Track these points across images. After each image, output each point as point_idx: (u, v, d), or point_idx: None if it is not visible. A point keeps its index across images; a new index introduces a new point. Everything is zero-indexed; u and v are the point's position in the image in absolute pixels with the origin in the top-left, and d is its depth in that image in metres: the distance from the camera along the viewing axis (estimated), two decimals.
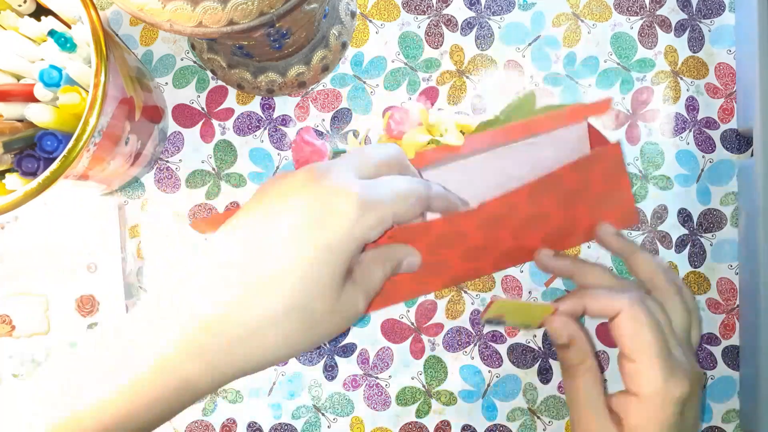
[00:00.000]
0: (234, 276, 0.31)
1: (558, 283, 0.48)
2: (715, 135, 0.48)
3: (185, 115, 0.49)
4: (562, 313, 0.39)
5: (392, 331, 0.48)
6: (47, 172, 0.35)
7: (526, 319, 0.40)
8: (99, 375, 0.29)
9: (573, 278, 0.42)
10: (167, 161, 0.49)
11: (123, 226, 0.48)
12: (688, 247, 0.48)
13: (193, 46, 0.49)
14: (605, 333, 0.48)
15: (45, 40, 0.40)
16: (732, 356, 0.48)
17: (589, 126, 0.41)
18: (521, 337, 0.48)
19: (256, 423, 0.48)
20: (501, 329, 0.48)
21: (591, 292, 0.39)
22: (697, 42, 0.49)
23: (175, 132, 0.49)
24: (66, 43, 0.38)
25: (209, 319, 0.30)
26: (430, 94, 0.49)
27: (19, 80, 0.41)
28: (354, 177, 0.33)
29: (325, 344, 0.48)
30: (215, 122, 0.49)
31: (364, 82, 0.49)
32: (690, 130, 0.48)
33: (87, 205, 0.48)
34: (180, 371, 0.29)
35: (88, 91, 0.36)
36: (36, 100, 0.38)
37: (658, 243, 0.48)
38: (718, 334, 0.48)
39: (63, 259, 0.47)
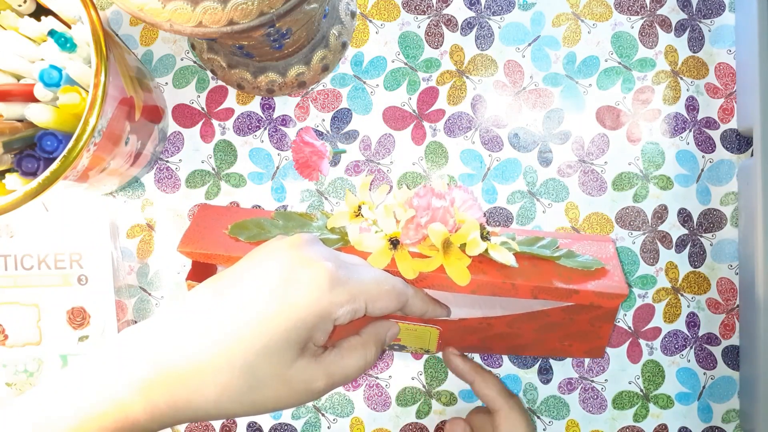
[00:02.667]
0: (196, 322, 0.31)
1: None
2: (715, 135, 0.48)
3: (185, 115, 0.49)
4: (457, 364, 0.44)
5: None
6: (47, 172, 0.35)
7: (421, 343, 0.43)
8: (53, 413, 0.29)
9: (471, 384, 0.44)
10: (167, 161, 0.49)
11: (115, 239, 0.48)
12: (688, 247, 0.48)
13: (193, 46, 0.49)
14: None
15: (45, 40, 0.40)
16: (732, 356, 0.48)
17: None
18: None
19: (256, 423, 0.48)
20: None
21: (488, 377, 0.43)
22: (697, 42, 0.49)
23: (175, 132, 0.49)
24: (66, 43, 0.38)
25: (166, 364, 0.30)
26: (435, 117, 0.49)
27: (19, 80, 0.41)
28: (336, 254, 0.34)
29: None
30: (215, 122, 0.49)
31: (364, 82, 0.49)
32: (690, 130, 0.48)
33: (80, 219, 0.48)
34: (130, 415, 0.29)
35: (88, 91, 0.36)
36: (36, 100, 0.38)
37: (658, 243, 0.48)
38: (718, 334, 0.48)
39: (54, 270, 0.47)
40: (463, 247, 0.39)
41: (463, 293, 0.40)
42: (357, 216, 0.41)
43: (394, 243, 0.39)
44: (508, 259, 0.39)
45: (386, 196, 0.42)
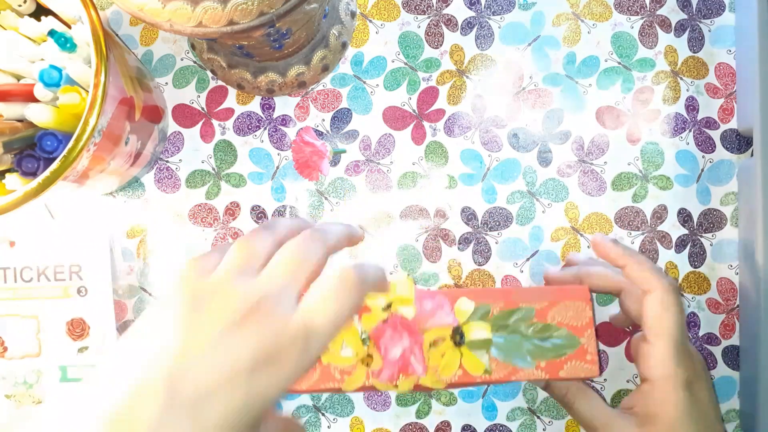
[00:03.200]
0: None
1: None
2: (715, 135, 0.48)
3: (185, 115, 0.49)
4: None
5: None
6: (47, 172, 0.35)
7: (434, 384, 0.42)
8: None
9: (623, 268, 0.41)
10: (167, 161, 0.49)
11: (114, 251, 0.48)
12: (688, 247, 0.48)
13: (193, 46, 0.49)
14: (606, 332, 0.48)
15: (45, 40, 0.40)
16: (732, 356, 0.48)
17: None
18: None
19: None
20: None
21: (642, 259, 0.40)
22: (697, 42, 0.49)
23: (175, 132, 0.49)
24: (66, 43, 0.38)
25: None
26: (435, 117, 0.49)
27: (19, 80, 0.41)
28: (289, 307, 0.31)
29: None
30: (215, 122, 0.49)
31: (364, 82, 0.49)
32: (690, 130, 0.48)
33: (79, 230, 0.48)
34: None
35: (88, 91, 0.36)
36: (36, 100, 0.38)
37: (658, 243, 0.48)
38: (718, 334, 0.48)
39: (54, 282, 0.47)
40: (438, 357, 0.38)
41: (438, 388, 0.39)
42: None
43: (368, 362, 0.37)
44: (480, 369, 0.38)
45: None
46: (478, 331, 0.39)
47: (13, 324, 0.47)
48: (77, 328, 0.47)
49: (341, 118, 0.49)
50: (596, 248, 0.42)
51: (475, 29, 0.49)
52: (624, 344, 0.48)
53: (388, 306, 0.37)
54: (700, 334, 0.48)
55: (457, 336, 0.39)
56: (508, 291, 0.41)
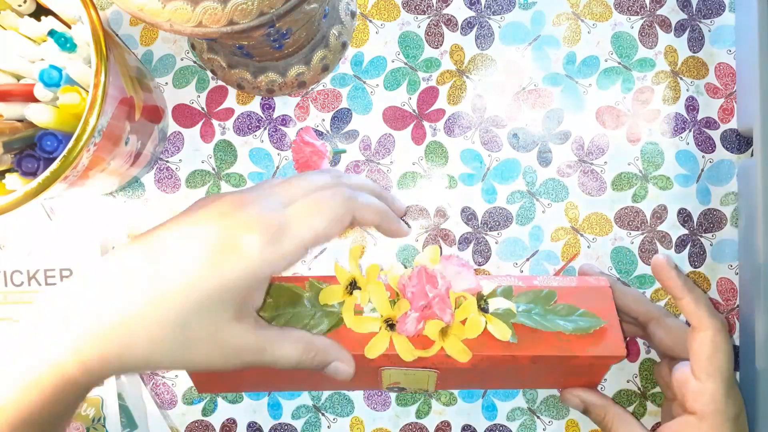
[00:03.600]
0: (127, 278, 0.31)
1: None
2: (715, 135, 0.48)
3: (185, 115, 0.49)
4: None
5: None
6: (47, 172, 0.35)
7: (420, 385, 0.43)
8: None
9: (679, 301, 0.41)
10: (167, 161, 0.49)
11: (107, 246, 0.48)
12: (688, 247, 0.48)
13: (193, 46, 0.49)
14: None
15: (45, 40, 0.40)
16: None
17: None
18: None
19: (256, 423, 0.48)
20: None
21: (696, 294, 0.40)
22: (697, 42, 0.49)
23: (175, 132, 0.49)
24: (66, 43, 0.38)
25: (96, 320, 0.30)
26: (435, 117, 0.49)
27: (19, 80, 0.41)
28: (279, 207, 0.33)
29: None
30: (215, 122, 0.49)
31: (364, 82, 0.49)
32: (690, 130, 0.48)
33: (71, 234, 0.48)
34: (66, 374, 0.29)
35: (88, 91, 0.36)
36: (36, 100, 0.38)
37: (658, 243, 0.48)
38: None
39: (44, 286, 0.47)
40: (462, 322, 0.38)
41: (463, 368, 0.39)
42: (350, 294, 0.39)
43: (391, 326, 0.38)
44: (506, 334, 0.38)
45: (380, 271, 0.40)
46: (502, 301, 0.40)
47: (4, 328, 0.47)
48: None
49: (341, 118, 0.49)
50: (656, 271, 0.41)
51: (475, 29, 0.49)
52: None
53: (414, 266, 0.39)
54: None
55: (482, 302, 0.39)
56: (529, 277, 0.42)
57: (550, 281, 0.42)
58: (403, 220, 0.44)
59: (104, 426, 0.46)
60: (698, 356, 0.39)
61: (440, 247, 0.47)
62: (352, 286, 0.39)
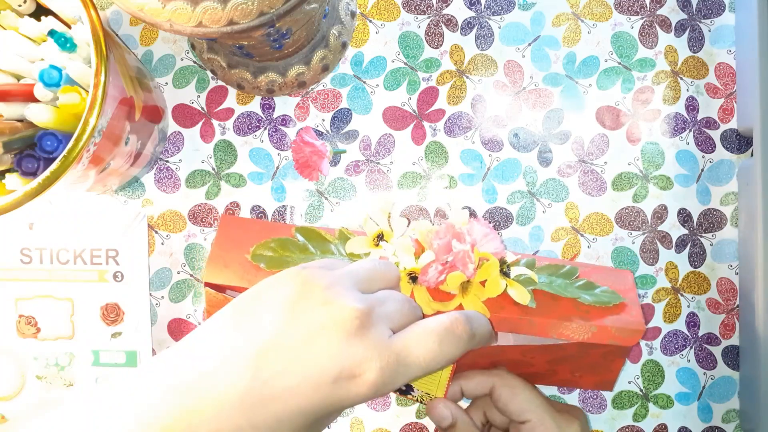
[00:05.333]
0: (228, 371, 0.29)
1: None
2: (715, 135, 0.48)
3: (185, 115, 0.49)
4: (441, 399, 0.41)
5: None
6: (47, 172, 0.35)
7: (430, 387, 0.42)
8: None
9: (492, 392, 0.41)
10: (167, 161, 0.49)
11: (151, 238, 0.48)
12: (688, 247, 0.48)
13: (193, 46, 0.49)
14: None
15: (45, 40, 0.40)
16: (732, 356, 0.48)
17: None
18: None
19: None
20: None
21: (465, 373, 0.41)
22: (697, 42, 0.49)
23: (175, 132, 0.49)
24: (66, 43, 0.38)
25: (189, 408, 0.28)
26: (435, 117, 0.49)
27: (19, 80, 0.41)
28: (387, 333, 0.31)
29: None
30: (215, 122, 0.49)
31: (364, 82, 0.49)
32: (690, 130, 0.48)
33: (116, 214, 0.48)
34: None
35: (88, 91, 0.36)
36: (36, 100, 0.38)
37: (658, 243, 0.48)
38: (718, 334, 0.48)
39: (90, 266, 0.47)
40: (482, 283, 0.39)
41: (480, 362, 0.40)
42: (376, 246, 0.41)
43: (413, 278, 0.39)
44: (525, 299, 0.39)
45: (406, 227, 0.42)
46: (524, 269, 0.41)
47: (47, 305, 0.47)
48: (111, 313, 0.47)
49: (341, 118, 0.49)
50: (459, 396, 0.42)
51: (475, 29, 0.49)
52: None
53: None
54: (700, 334, 0.48)
55: (505, 266, 0.40)
56: (550, 258, 0.43)
57: (572, 263, 0.43)
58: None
59: None
60: (507, 407, 0.40)
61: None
62: (380, 238, 0.41)
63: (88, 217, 0.48)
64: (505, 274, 0.40)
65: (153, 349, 0.48)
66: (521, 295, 0.39)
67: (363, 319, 0.30)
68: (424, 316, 0.37)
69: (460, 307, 0.39)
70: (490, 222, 0.48)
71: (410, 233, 0.41)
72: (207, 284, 0.42)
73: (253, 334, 0.30)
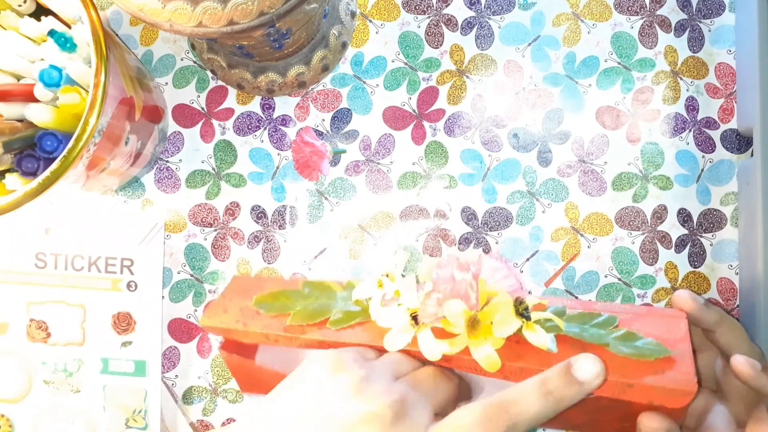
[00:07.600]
0: None
1: (558, 283, 0.48)
2: (715, 135, 0.48)
3: (185, 115, 0.49)
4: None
5: None
6: (47, 172, 0.35)
7: None
8: None
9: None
10: (167, 161, 0.49)
11: (166, 248, 0.48)
12: (688, 247, 0.48)
13: (193, 46, 0.49)
14: None
15: (45, 40, 0.40)
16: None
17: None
18: None
19: None
20: None
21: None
22: (697, 42, 0.49)
23: (175, 132, 0.49)
24: (66, 43, 0.38)
25: None
26: (435, 117, 0.49)
27: (19, 80, 0.41)
28: (428, 418, 0.32)
29: None
30: (215, 122, 0.49)
31: (364, 82, 0.49)
32: (690, 130, 0.48)
33: (133, 224, 0.48)
34: None
35: (88, 91, 0.36)
36: (36, 100, 0.38)
37: (658, 243, 0.48)
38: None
39: (104, 273, 0.47)
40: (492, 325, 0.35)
41: (494, 378, 0.35)
42: (380, 286, 0.39)
43: (416, 318, 0.36)
44: (544, 342, 0.33)
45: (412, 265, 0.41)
46: (548, 314, 0.35)
47: (59, 311, 0.47)
48: (123, 322, 0.47)
49: (341, 118, 0.49)
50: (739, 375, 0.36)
51: (475, 29, 0.49)
52: None
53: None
54: None
55: (522, 307, 0.35)
56: (588, 303, 0.37)
57: (614, 307, 0.36)
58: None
59: (144, 419, 0.47)
60: None
61: (440, 248, 0.46)
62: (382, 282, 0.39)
63: (105, 224, 0.48)
64: (523, 315, 0.35)
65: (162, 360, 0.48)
66: (539, 338, 0.34)
67: (399, 402, 0.32)
68: (435, 364, 0.36)
69: (466, 350, 0.34)
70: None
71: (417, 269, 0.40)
72: (220, 347, 0.42)
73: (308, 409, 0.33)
